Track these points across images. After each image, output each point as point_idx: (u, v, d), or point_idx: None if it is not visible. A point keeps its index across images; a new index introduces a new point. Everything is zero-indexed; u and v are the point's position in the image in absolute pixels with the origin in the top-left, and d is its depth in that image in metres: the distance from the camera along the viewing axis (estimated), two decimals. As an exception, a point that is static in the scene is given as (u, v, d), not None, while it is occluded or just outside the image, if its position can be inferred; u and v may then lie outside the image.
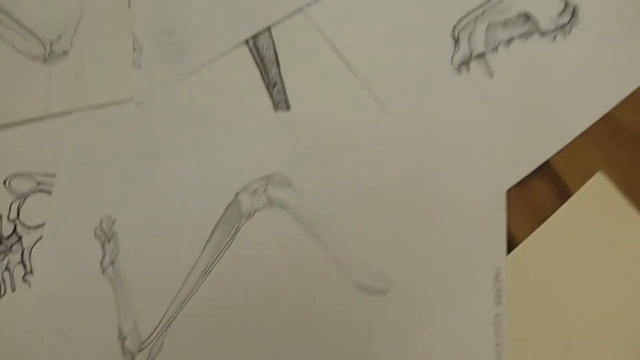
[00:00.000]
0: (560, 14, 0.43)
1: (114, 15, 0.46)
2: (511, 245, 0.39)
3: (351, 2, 0.44)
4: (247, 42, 0.44)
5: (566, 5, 0.44)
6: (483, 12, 0.43)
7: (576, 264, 0.39)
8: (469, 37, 0.43)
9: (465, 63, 0.42)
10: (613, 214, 0.40)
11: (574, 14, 0.43)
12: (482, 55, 0.42)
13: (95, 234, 0.40)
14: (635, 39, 0.43)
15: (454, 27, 0.43)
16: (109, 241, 0.40)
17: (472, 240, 0.39)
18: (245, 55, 0.43)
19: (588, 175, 0.41)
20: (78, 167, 0.42)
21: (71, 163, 0.42)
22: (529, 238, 0.39)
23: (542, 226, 0.40)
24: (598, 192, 0.41)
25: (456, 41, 0.43)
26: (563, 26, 0.43)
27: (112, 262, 0.40)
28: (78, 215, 0.41)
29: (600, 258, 0.40)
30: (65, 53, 0.45)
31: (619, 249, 0.40)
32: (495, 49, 0.42)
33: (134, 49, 0.44)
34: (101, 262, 0.40)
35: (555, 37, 0.43)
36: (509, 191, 0.40)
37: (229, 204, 0.40)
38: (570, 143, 0.41)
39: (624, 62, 0.43)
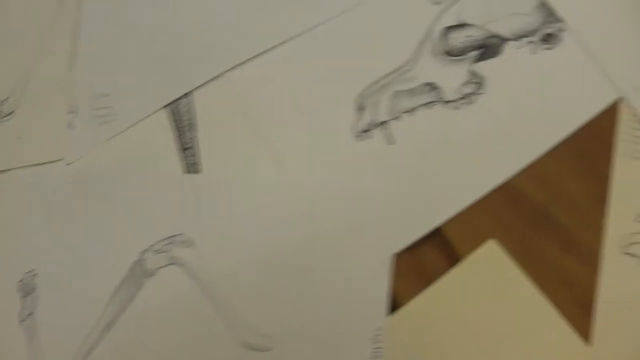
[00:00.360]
0: (465, 84, 0.45)
1: (56, 78, 0.49)
2: (397, 308, 0.41)
3: (266, 69, 0.46)
4: (169, 105, 0.47)
5: (472, 75, 0.45)
6: (389, 81, 0.45)
7: (460, 328, 0.40)
8: (374, 105, 0.44)
9: (368, 130, 0.44)
10: (503, 282, 0.41)
11: (479, 84, 0.45)
12: (385, 123, 0.44)
13: (18, 287, 0.44)
14: (536, 111, 0.44)
15: (360, 95, 0.45)
16: (30, 294, 0.43)
17: (355, 301, 0.41)
18: (165, 118, 0.46)
19: (480, 242, 0.42)
20: (10, 222, 0.46)
21: (4, 218, 0.46)
22: (411, 301, 0.41)
23: (426, 290, 0.41)
24: (488, 259, 0.42)
25: (361, 109, 0.44)
26: (467, 96, 0.45)
27: (30, 314, 0.43)
28: (5, 268, 0.44)
29: (487, 324, 0.41)
30: (12, 114, 0.49)
31: (507, 316, 0.41)
32: (399, 117, 0.44)
33: (71, 111, 0.48)
34: (19, 313, 0.43)
35: (458, 106, 0.44)
36: (399, 255, 0.42)
37: (134, 262, 0.43)
38: (466, 210, 0.42)
39: (525, 133, 0.44)
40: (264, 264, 0.42)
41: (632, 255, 0.43)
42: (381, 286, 0.41)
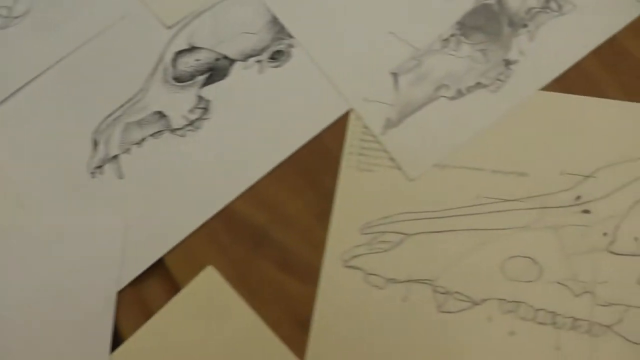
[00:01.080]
0: (192, 110, 0.46)
1: None
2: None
3: (6, 111, 0.48)
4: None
5: (199, 100, 0.46)
6: (122, 113, 0.47)
7: (183, 356, 0.43)
8: (107, 140, 0.46)
9: (101, 166, 0.46)
10: (220, 307, 0.44)
11: (205, 109, 0.46)
12: (115, 158, 0.46)
13: None
14: (260, 132, 0.45)
15: (95, 131, 0.47)
16: None
17: (80, 343, 0.43)
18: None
19: (200, 270, 0.44)
20: None
21: None
22: (133, 335, 0.43)
23: (147, 322, 0.44)
24: (206, 285, 0.44)
25: (96, 144, 0.46)
26: (193, 122, 0.46)
27: None
28: None
29: (207, 350, 0.43)
30: None
31: (225, 341, 0.43)
32: (129, 149, 0.46)
33: None
34: None
35: (184, 133, 0.46)
36: (122, 291, 0.44)
37: None
38: (186, 239, 0.44)
39: (247, 156, 0.45)
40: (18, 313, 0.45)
41: (354, 267, 0.44)
42: (105, 325, 0.43)
